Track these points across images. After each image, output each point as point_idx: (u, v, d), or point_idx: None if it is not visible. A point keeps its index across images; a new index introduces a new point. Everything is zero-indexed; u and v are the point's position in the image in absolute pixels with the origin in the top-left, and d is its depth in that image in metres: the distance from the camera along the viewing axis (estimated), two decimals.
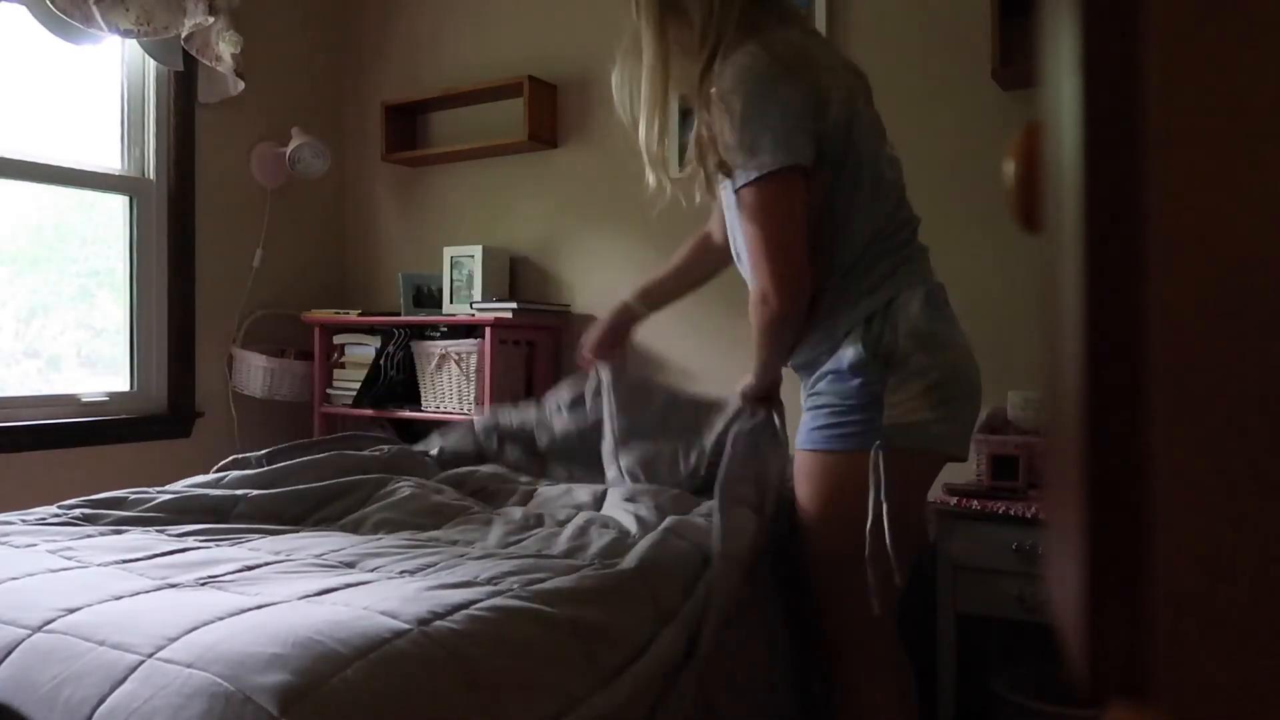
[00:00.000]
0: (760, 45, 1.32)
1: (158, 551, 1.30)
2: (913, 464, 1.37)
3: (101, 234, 2.90)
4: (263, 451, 1.91)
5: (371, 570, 1.23)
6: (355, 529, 1.55)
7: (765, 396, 1.67)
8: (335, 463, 1.81)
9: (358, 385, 3.00)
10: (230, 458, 1.91)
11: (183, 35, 2.81)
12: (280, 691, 0.83)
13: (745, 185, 1.33)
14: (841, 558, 1.37)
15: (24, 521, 1.49)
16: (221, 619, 0.98)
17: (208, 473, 1.81)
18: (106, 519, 1.51)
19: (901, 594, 1.40)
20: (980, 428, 2.05)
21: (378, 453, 1.91)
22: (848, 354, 1.36)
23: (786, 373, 1.59)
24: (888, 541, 1.31)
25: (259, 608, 1.02)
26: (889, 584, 1.34)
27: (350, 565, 1.26)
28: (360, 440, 2.05)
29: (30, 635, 0.99)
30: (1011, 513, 1.88)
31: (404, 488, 1.70)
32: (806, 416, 1.45)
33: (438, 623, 0.99)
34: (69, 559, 1.26)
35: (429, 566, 1.24)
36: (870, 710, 1.47)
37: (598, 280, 2.97)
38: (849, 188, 1.37)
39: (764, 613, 1.44)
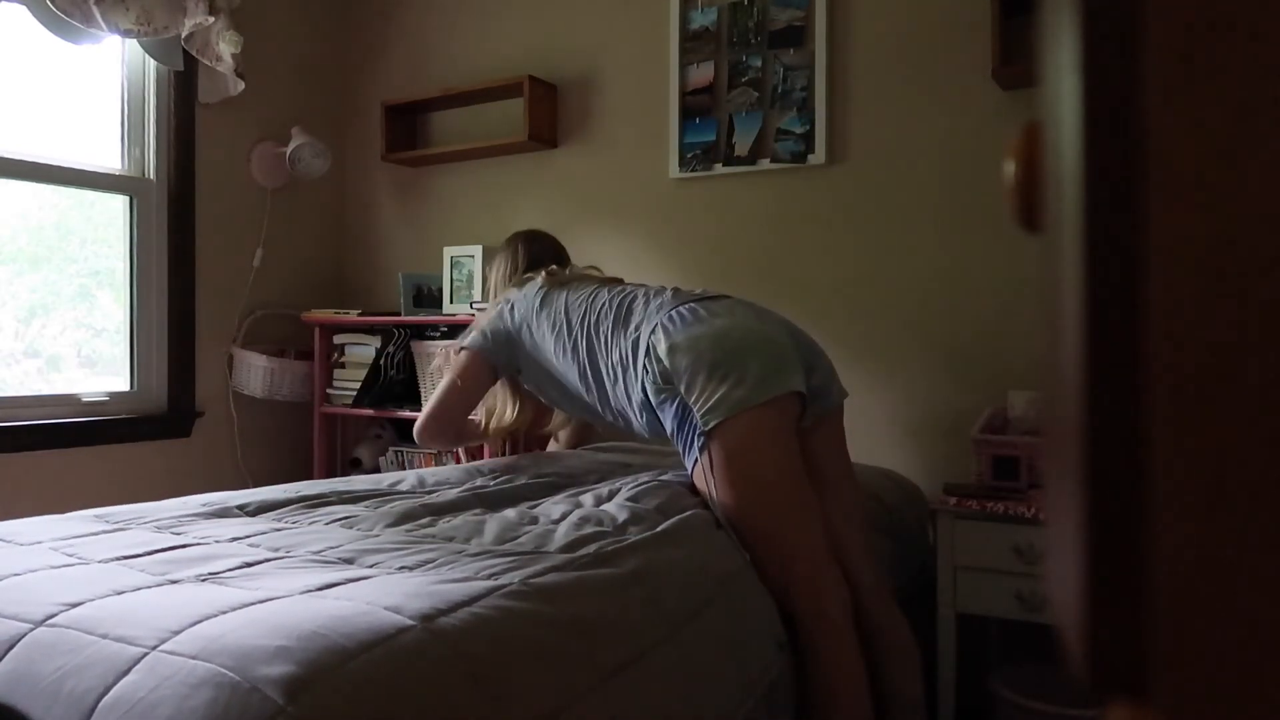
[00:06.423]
0: (515, 285, 2.07)
1: (158, 548, 1.31)
2: (736, 431, 1.59)
3: (101, 234, 2.91)
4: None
5: (370, 566, 1.23)
6: (353, 526, 1.55)
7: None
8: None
9: (358, 385, 3.00)
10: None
11: (183, 35, 2.81)
12: (287, 682, 0.83)
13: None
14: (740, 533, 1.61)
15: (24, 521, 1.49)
16: (225, 613, 0.98)
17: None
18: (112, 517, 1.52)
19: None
20: (980, 428, 2.05)
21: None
22: (650, 398, 1.72)
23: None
24: (718, 515, 1.62)
25: (261, 602, 1.02)
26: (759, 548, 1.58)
27: (349, 561, 1.26)
28: None
29: (32, 629, 0.99)
30: (1011, 513, 1.88)
31: (406, 484, 1.70)
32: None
33: (441, 619, 0.99)
34: (70, 555, 1.27)
35: (428, 563, 1.24)
36: (823, 684, 1.49)
37: None
38: (544, 360, 1.93)
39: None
